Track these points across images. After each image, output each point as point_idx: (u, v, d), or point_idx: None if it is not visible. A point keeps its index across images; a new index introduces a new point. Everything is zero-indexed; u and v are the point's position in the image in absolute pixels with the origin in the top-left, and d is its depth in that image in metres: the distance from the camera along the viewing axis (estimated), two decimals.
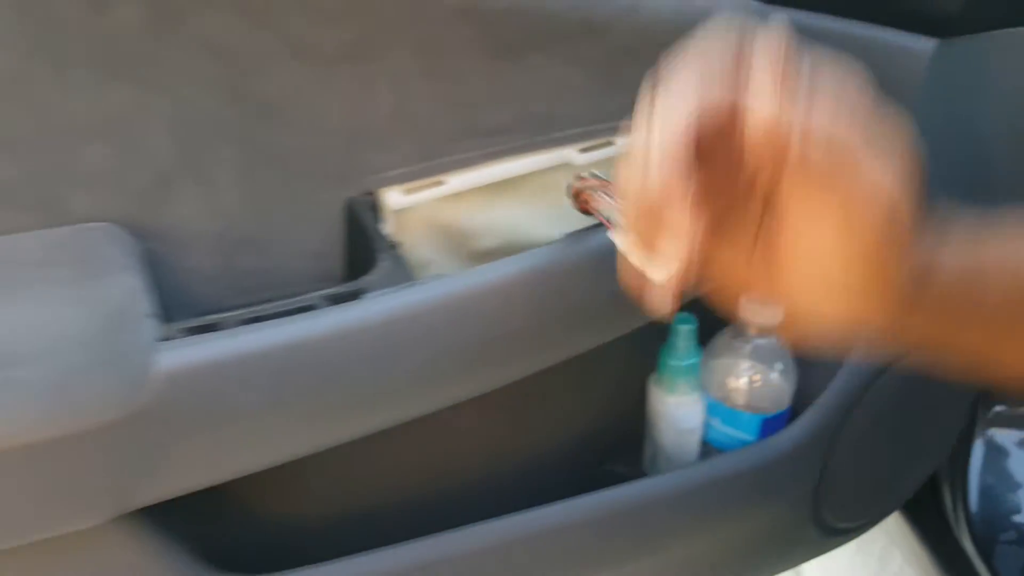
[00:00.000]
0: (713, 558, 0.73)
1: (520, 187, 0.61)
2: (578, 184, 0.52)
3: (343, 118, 0.53)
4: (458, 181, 0.59)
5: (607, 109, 0.60)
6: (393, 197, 0.57)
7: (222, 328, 0.47)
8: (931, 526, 0.98)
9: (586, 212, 0.52)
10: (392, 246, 0.53)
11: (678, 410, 0.70)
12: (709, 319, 0.63)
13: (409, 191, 0.58)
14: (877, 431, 0.74)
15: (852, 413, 0.71)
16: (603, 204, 0.50)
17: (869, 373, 0.71)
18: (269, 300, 0.52)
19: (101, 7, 0.44)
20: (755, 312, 0.61)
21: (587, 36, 0.55)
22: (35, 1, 0.43)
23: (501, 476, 0.66)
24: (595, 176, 0.51)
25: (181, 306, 0.52)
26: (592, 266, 0.53)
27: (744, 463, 0.70)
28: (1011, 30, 0.62)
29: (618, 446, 0.77)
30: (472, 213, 0.61)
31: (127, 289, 0.46)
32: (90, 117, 0.47)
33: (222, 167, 0.52)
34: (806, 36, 0.58)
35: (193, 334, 0.46)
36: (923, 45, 0.63)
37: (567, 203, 0.56)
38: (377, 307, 0.49)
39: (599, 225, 0.52)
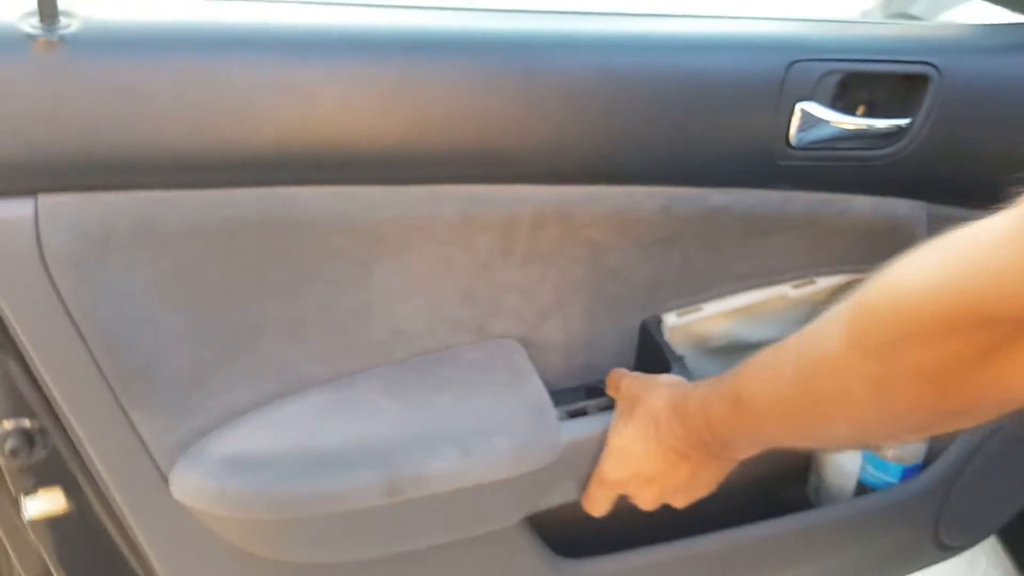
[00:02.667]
0: (860, 568, 1.02)
1: (749, 310, 0.91)
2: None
3: (649, 272, 0.84)
4: (711, 308, 0.89)
5: (815, 261, 0.89)
6: (670, 319, 0.88)
7: (588, 412, 0.79)
8: (1012, 538, 1.27)
9: None
10: (679, 357, 0.84)
11: (843, 458, 0.99)
12: None
13: (680, 315, 0.88)
14: (986, 474, 1.02)
15: (969, 462, 0.99)
16: None
17: (982, 434, 0.98)
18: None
19: (539, 229, 0.76)
20: None
21: (810, 224, 0.84)
22: (502, 234, 0.75)
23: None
24: None
25: None
26: None
27: (889, 499, 0.99)
28: None
29: (785, 477, 1.07)
30: (715, 326, 0.92)
31: (536, 386, 0.79)
32: (515, 281, 0.79)
33: (576, 305, 0.83)
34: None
35: (572, 416, 0.78)
36: None
37: (777, 320, 0.86)
38: None
39: None
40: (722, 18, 0.78)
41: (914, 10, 1.43)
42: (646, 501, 0.76)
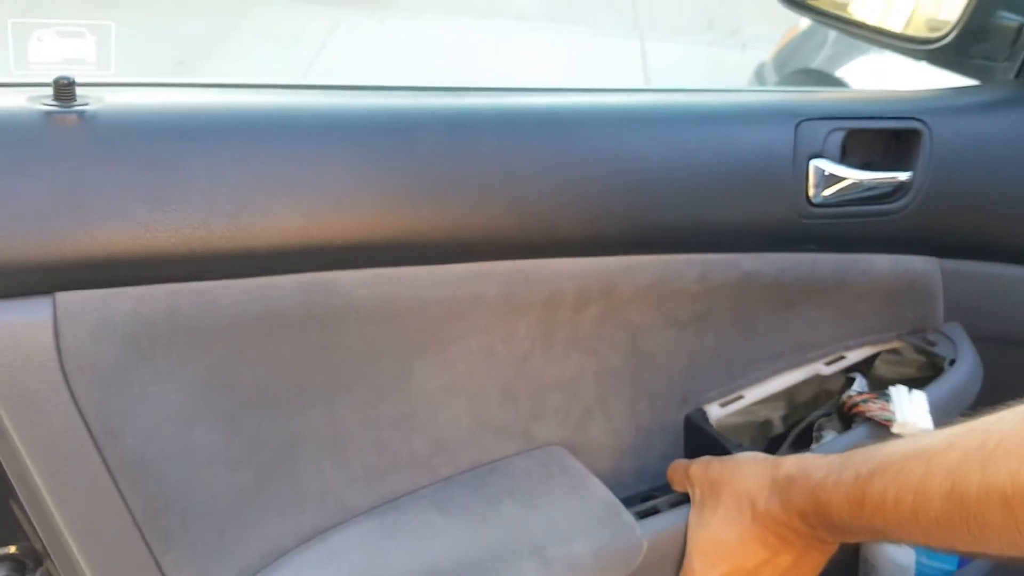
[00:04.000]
0: None
1: (786, 393, 0.87)
2: (848, 400, 0.78)
3: (687, 357, 0.79)
4: (752, 394, 0.84)
5: (843, 334, 0.86)
6: (714, 411, 0.83)
7: (660, 509, 0.71)
8: None
9: (857, 415, 0.77)
10: (739, 446, 0.78)
11: (897, 550, 0.93)
12: None
13: (722, 405, 0.83)
14: None
15: None
16: (874, 409, 0.75)
17: None
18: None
19: (581, 308, 0.71)
20: None
21: (837, 289, 0.83)
22: (544, 317, 0.70)
23: None
24: (859, 392, 0.77)
25: None
26: None
27: None
28: None
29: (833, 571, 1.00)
30: (755, 411, 0.87)
31: (600, 487, 0.71)
32: (555, 376, 0.73)
33: (619, 400, 0.77)
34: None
35: (642, 517, 0.70)
36: None
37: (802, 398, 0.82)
38: None
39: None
40: (731, 91, 0.79)
41: (814, 65, 1.53)
42: None
